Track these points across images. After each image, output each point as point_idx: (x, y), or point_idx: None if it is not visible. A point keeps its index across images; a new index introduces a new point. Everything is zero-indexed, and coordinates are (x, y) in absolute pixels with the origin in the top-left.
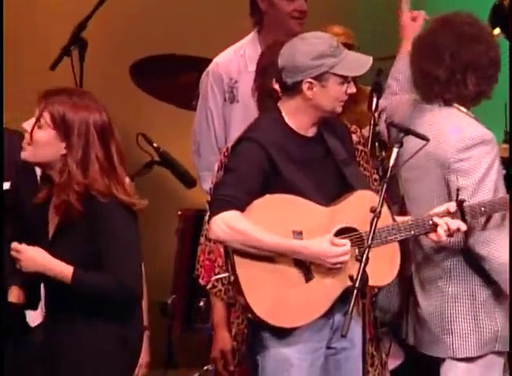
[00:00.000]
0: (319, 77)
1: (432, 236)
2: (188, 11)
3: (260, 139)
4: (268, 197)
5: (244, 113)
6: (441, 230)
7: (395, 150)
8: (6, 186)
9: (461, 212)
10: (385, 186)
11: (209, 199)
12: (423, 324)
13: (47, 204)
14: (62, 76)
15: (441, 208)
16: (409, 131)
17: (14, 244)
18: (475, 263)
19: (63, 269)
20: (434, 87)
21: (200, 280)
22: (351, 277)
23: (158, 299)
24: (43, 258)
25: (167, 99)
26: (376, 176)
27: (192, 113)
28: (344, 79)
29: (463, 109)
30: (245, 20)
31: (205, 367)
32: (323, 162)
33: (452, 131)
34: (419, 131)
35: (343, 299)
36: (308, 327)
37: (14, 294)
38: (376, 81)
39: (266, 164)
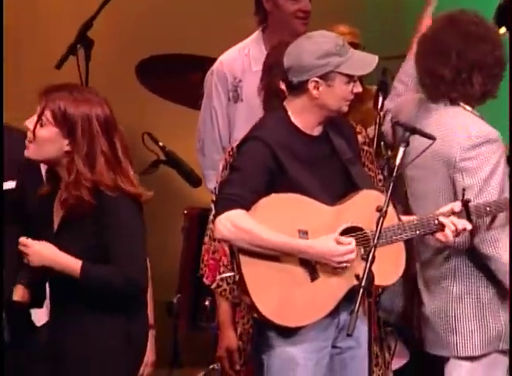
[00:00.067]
0: (324, 77)
1: (440, 236)
2: (193, 10)
3: (266, 138)
4: (273, 196)
5: (248, 112)
6: (448, 231)
7: (402, 149)
8: (12, 184)
9: (467, 212)
10: (391, 186)
11: (214, 198)
12: (427, 323)
13: (52, 198)
14: (67, 75)
15: (446, 208)
16: (415, 131)
17: (22, 239)
18: (480, 263)
19: (72, 263)
20: (440, 86)
21: (205, 280)
22: (357, 276)
23: (164, 298)
24: (52, 252)
25: (173, 98)
26: (380, 176)
27: (198, 112)
28: (350, 78)
29: (468, 108)
30: (250, 20)
31: (211, 366)
32: (329, 161)
33: (458, 130)
34: (426, 130)
35: (348, 298)
36: (313, 326)
37: (18, 293)
38: (381, 80)
39: (272, 162)
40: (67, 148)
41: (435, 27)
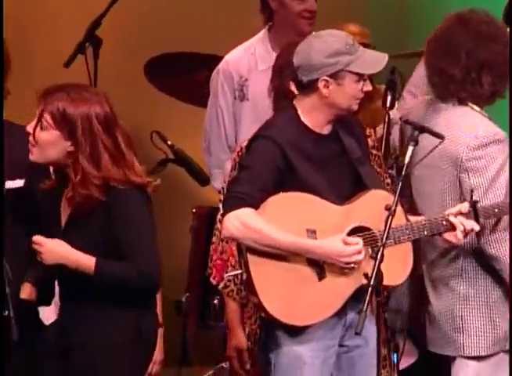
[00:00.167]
0: (334, 75)
1: (449, 236)
2: (200, 9)
3: (275, 137)
4: (282, 194)
5: (254, 111)
6: (458, 231)
7: (410, 148)
8: (20, 183)
9: (475, 213)
10: (400, 185)
11: (221, 198)
12: (434, 323)
13: (59, 196)
14: (76, 74)
15: (454, 209)
16: (423, 129)
17: (35, 237)
18: (487, 263)
19: (86, 260)
20: (450, 86)
21: (212, 280)
22: (365, 275)
23: (172, 297)
24: (65, 250)
25: (181, 97)
26: (388, 180)
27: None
28: (360, 77)
29: (476, 108)
30: (256, 18)
31: (219, 365)
32: (338, 160)
33: (465, 129)
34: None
35: (355, 298)
36: (321, 325)
37: (26, 291)
38: (390, 79)
39: (281, 161)
40: (70, 149)
41: (445, 26)
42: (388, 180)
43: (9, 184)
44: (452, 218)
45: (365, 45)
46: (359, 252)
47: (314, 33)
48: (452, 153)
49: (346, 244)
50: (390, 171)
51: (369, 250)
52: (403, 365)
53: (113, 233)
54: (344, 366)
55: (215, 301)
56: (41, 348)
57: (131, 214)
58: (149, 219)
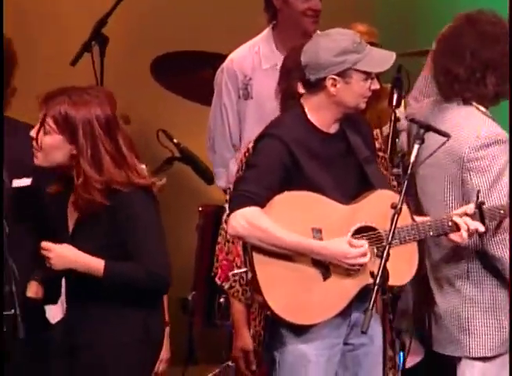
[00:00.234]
0: (342, 74)
1: (454, 237)
2: (205, 8)
3: (282, 136)
4: (288, 193)
5: (258, 109)
6: (463, 231)
7: (416, 147)
8: (27, 182)
9: (481, 214)
10: (406, 183)
11: (227, 197)
12: (440, 323)
13: (66, 199)
14: (82, 72)
15: (459, 211)
16: (429, 128)
17: (44, 243)
18: (492, 264)
19: (95, 263)
20: (454, 85)
21: (217, 279)
22: (371, 273)
23: (178, 295)
24: (74, 254)
25: (187, 95)
26: (394, 183)
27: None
28: (368, 75)
29: (481, 108)
30: (260, 17)
31: (226, 363)
32: (345, 159)
33: (468, 129)
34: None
35: (360, 297)
36: (325, 324)
37: (33, 289)
38: (396, 77)
39: (287, 159)
40: (74, 152)
41: (453, 26)
42: (394, 183)
43: (17, 182)
44: (456, 219)
45: (372, 44)
46: (364, 255)
47: (321, 32)
48: (456, 153)
49: (352, 245)
50: (396, 169)
51: (375, 249)
52: (409, 363)
53: (120, 235)
54: (350, 364)
55: (221, 300)
56: (47, 347)
57: (138, 215)
58: (155, 220)
